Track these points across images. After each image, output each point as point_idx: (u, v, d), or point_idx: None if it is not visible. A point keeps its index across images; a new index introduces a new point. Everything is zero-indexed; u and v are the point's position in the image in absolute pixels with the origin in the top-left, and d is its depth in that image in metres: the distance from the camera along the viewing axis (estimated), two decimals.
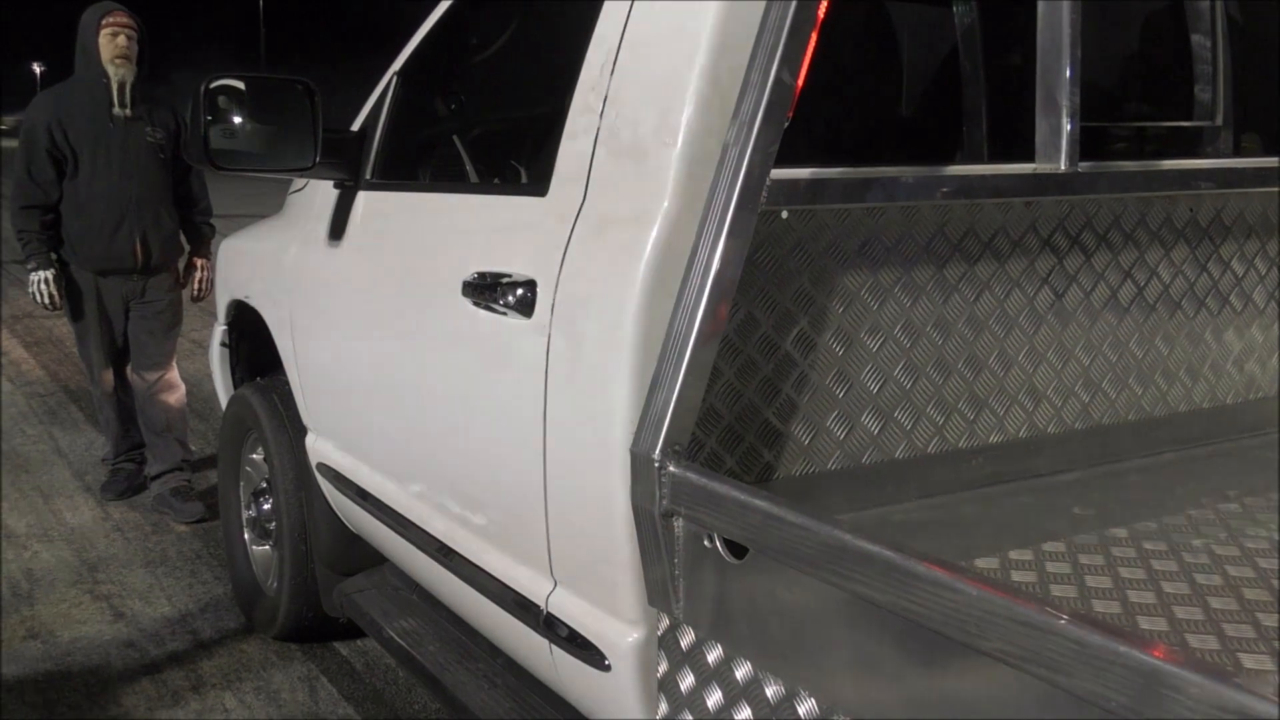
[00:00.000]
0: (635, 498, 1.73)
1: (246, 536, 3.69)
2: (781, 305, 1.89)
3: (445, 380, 2.39)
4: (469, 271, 2.20)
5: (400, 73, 2.83)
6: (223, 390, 3.89)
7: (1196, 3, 2.74)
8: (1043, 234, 2.15)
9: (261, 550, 3.63)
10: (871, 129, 2.68)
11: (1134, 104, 2.95)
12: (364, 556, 3.17)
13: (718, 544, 1.62)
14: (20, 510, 4.72)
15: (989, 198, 2.05)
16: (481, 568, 2.30)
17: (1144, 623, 1.46)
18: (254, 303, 3.45)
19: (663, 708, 1.76)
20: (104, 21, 4.39)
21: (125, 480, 4.89)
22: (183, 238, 4.74)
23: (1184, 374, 2.40)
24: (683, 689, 1.72)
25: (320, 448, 3.09)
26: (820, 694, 1.49)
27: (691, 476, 1.63)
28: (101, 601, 3.84)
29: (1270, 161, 2.46)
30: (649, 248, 1.78)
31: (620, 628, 1.88)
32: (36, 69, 67.61)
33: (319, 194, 3.03)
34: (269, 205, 4.03)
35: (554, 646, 2.07)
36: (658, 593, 1.76)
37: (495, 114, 3.07)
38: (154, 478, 4.73)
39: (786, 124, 1.69)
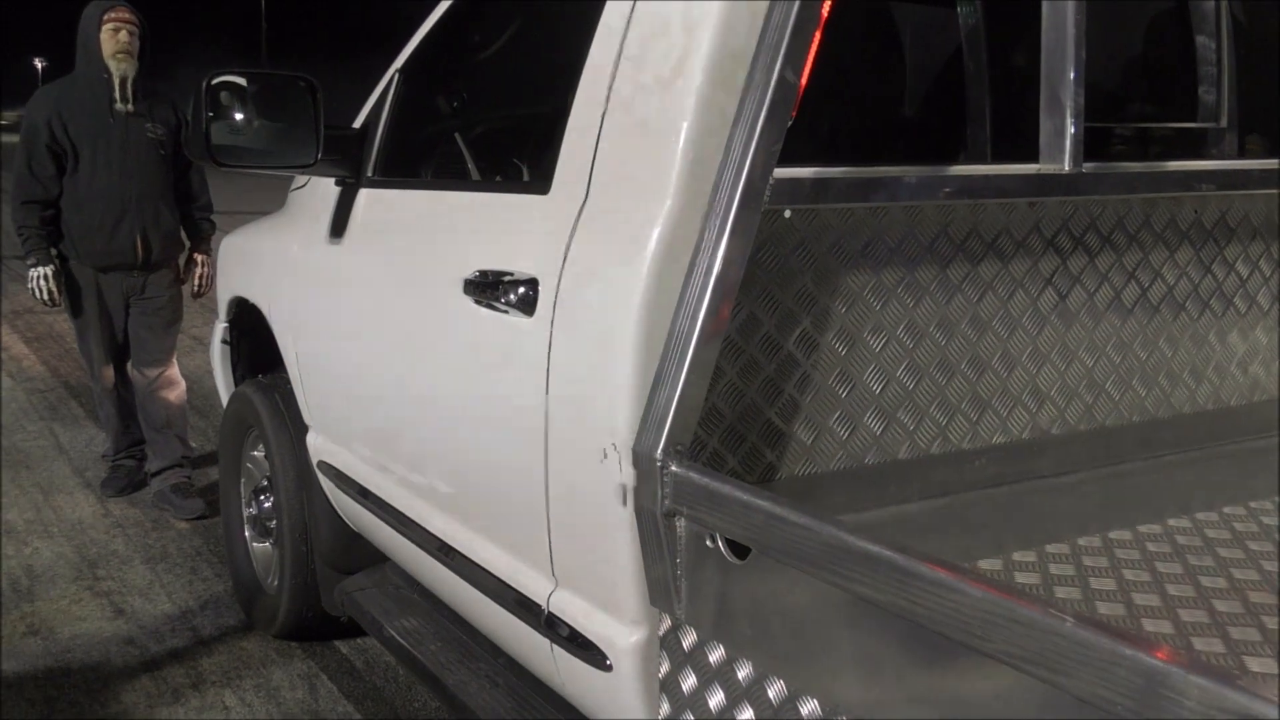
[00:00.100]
0: (637, 497, 1.73)
1: (247, 534, 3.69)
2: (784, 305, 1.88)
3: (447, 379, 2.38)
4: (470, 270, 2.19)
5: (402, 70, 2.83)
6: (224, 387, 3.89)
7: (1201, 4, 2.73)
8: (1046, 235, 2.15)
9: (262, 548, 3.63)
10: (875, 128, 2.68)
11: (1138, 105, 2.94)
12: (365, 555, 3.16)
13: (720, 544, 1.62)
14: (20, 506, 4.72)
15: (993, 198, 2.05)
16: (482, 567, 2.29)
17: (1149, 625, 1.46)
18: (255, 300, 3.45)
19: (664, 708, 1.76)
20: (106, 17, 4.38)
21: (125, 477, 4.89)
22: (183, 234, 4.74)
23: (1188, 376, 2.40)
24: (684, 689, 1.71)
25: (321, 445, 3.08)
26: (823, 695, 1.49)
27: (694, 476, 1.63)
28: (102, 598, 3.84)
29: (1274, 163, 2.45)
30: (651, 246, 1.77)
31: (622, 628, 1.88)
32: (38, 64, 67.59)
33: (320, 191, 3.03)
34: (270, 202, 4.03)
35: (555, 646, 2.06)
36: (660, 593, 1.75)
37: (497, 112, 3.06)
38: (154, 474, 4.73)
39: (790, 123, 1.68)
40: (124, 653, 3.46)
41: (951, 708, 1.33)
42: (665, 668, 1.76)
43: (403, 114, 2.82)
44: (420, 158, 2.93)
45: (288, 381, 3.25)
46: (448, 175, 2.87)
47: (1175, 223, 2.32)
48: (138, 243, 4.49)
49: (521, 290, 2.04)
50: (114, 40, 4.37)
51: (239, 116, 2.61)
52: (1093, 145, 2.07)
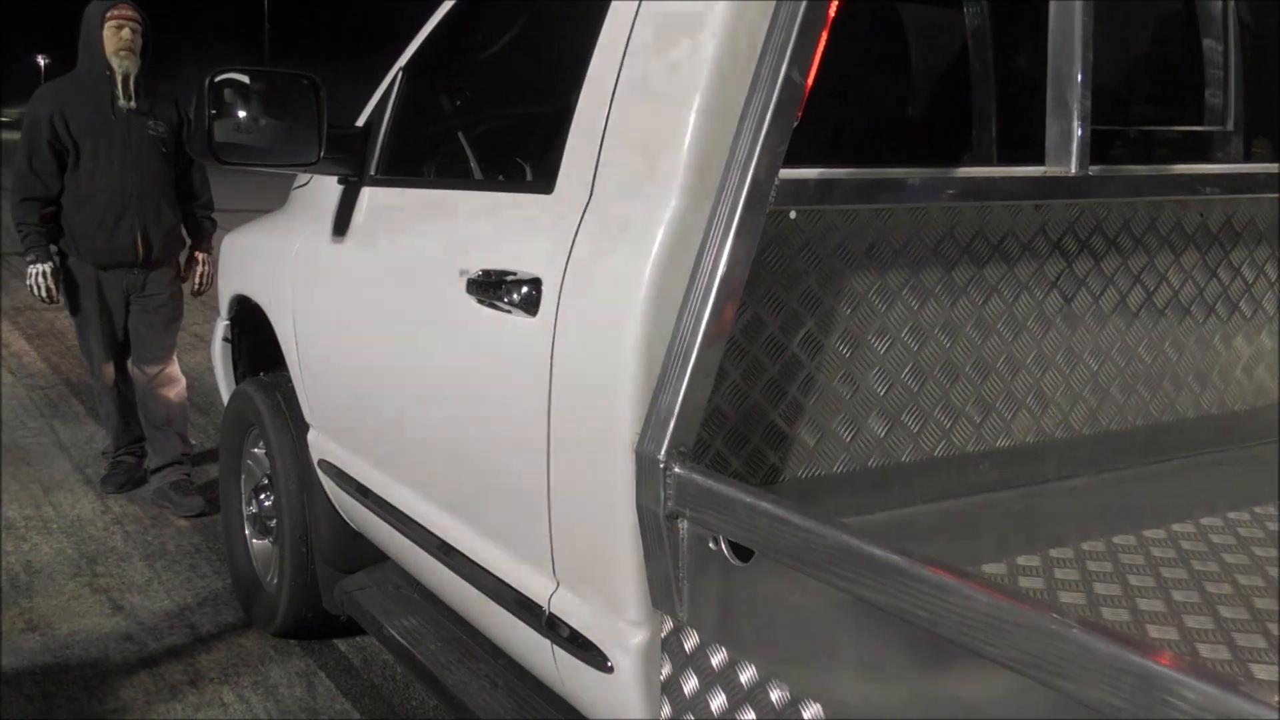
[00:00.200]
0: (640, 499, 1.72)
1: (247, 532, 3.68)
2: (788, 306, 1.88)
3: (449, 378, 2.37)
4: (473, 269, 2.18)
5: (405, 69, 2.82)
6: (225, 385, 3.89)
7: (1208, 6, 2.72)
8: (1052, 237, 2.14)
9: (262, 546, 3.62)
10: (881, 129, 2.67)
11: (1145, 108, 2.94)
12: (365, 554, 3.16)
13: (723, 546, 1.61)
14: (20, 502, 4.71)
15: (998, 200, 2.04)
16: (483, 567, 2.29)
17: (1154, 631, 1.45)
18: (257, 298, 3.44)
19: (666, 710, 1.75)
20: (109, 14, 4.38)
21: (125, 473, 4.88)
22: (184, 232, 4.73)
23: (1192, 380, 2.39)
24: (686, 692, 1.70)
25: (322, 444, 3.08)
26: (825, 699, 1.48)
27: (697, 478, 1.62)
28: (100, 594, 3.83)
29: None
30: (656, 247, 1.77)
31: (623, 629, 1.87)
32: (40, 62, 67.60)
33: (323, 189, 3.02)
34: (271, 200, 4.02)
35: (556, 647, 2.06)
36: (662, 594, 1.74)
37: (501, 111, 3.05)
38: (154, 471, 4.73)
39: (795, 123, 1.68)
40: (122, 649, 3.46)
41: (955, 712, 1.32)
42: (667, 670, 1.75)
43: (406, 112, 2.81)
44: (423, 156, 2.93)
45: (288, 380, 3.25)
46: (451, 174, 2.86)
47: (1181, 226, 2.31)
48: (138, 240, 4.49)
49: (525, 290, 2.03)
50: (117, 37, 4.37)
51: (242, 114, 2.60)
52: (1099, 148, 2.06)
